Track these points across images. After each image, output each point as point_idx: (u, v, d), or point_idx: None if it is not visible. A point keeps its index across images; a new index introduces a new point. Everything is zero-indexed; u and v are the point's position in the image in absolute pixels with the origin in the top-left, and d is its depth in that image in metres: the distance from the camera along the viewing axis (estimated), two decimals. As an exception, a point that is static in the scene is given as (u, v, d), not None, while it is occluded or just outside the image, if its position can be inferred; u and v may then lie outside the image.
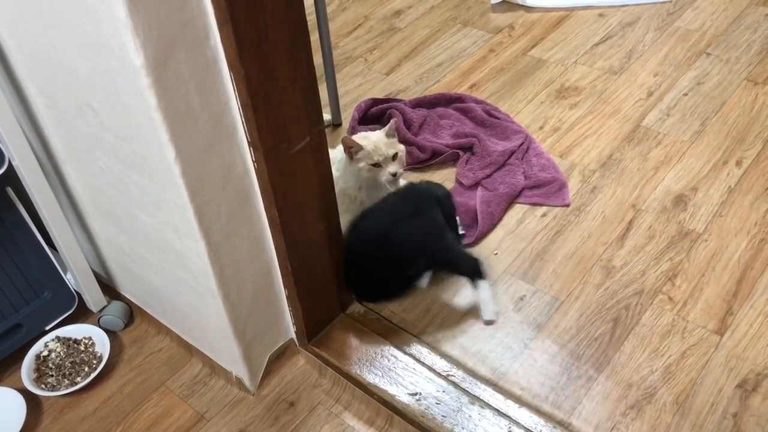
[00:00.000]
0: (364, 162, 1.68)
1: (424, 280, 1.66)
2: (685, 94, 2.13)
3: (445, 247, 1.61)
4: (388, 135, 1.71)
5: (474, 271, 1.58)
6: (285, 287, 1.44)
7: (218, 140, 1.15)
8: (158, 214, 1.26)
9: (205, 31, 1.04)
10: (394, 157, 1.71)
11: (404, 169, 1.76)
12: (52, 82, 1.22)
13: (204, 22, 1.03)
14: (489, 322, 1.57)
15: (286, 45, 1.11)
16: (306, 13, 1.12)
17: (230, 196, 1.22)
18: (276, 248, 1.36)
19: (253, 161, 1.21)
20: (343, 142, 1.68)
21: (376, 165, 1.68)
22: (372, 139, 1.70)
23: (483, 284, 1.57)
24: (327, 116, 2.13)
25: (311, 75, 1.20)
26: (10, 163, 1.38)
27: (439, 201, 1.64)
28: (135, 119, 1.10)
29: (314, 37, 1.99)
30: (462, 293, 1.64)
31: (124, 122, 1.13)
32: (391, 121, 1.73)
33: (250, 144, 1.18)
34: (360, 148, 1.67)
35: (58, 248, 1.55)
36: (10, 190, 1.50)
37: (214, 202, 1.20)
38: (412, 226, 1.57)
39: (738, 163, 1.88)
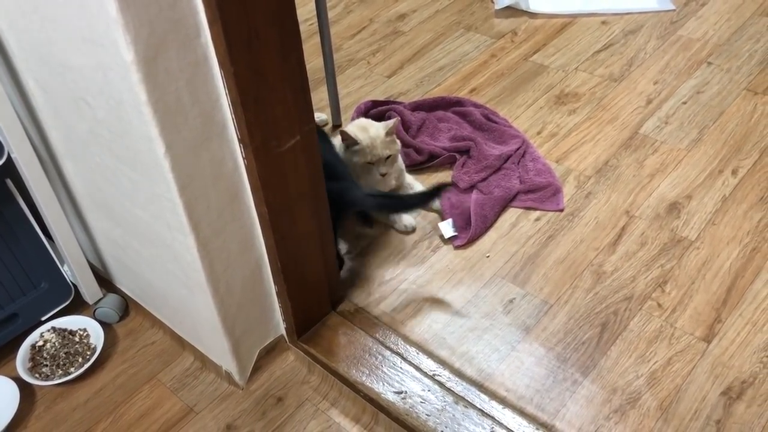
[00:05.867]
0: (357, 157, 1.72)
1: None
2: (684, 103, 2.13)
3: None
4: (387, 133, 1.75)
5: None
6: (275, 284, 1.46)
7: (208, 137, 1.17)
8: (150, 208, 1.29)
9: (196, 29, 1.06)
10: (388, 157, 1.73)
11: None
12: (49, 77, 1.25)
13: (194, 20, 1.05)
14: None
15: (276, 44, 1.13)
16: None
17: (220, 191, 1.25)
18: (266, 245, 1.38)
19: (243, 158, 1.23)
20: (341, 134, 1.72)
21: (369, 163, 1.71)
22: (371, 134, 1.73)
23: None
24: (324, 116, 2.16)
25: (302, 74, 1.22)
26: (9, 155, 1.41)
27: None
28: (126, 114, 1.12)
29: (316, 40, 2.03)
30: (452, 293, 1.66)
31: (116, 117, 1.16)
32: (394, 120, 1.76)
33: (240, 141, 1.20)
34: (355, 143, 1.70)
35: (55, 240, 1.58)
36: (9, 182, 1.53)
37: (204, 198, 1.22)
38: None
39: (734, 172, 1.89)
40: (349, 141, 1.72)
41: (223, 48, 1.07)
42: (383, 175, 1.74)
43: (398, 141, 1.83)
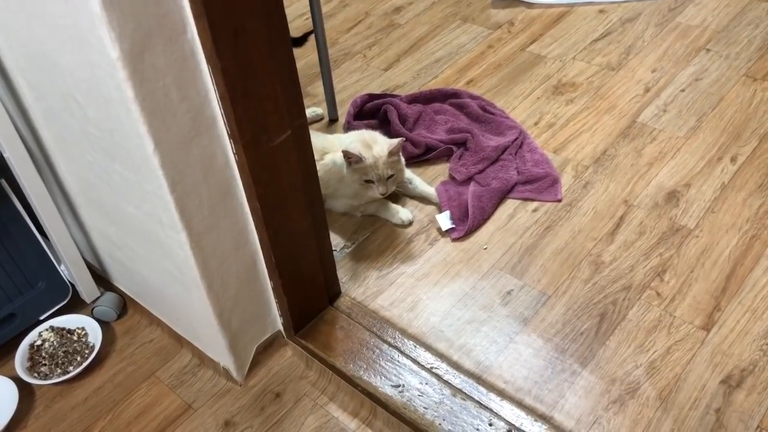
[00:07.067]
0: (358, 174, 1.72)
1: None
2: (683, 90, 2.12)
3: None
4: (391, 153, 1.71)
5: None
6: (270, 279, 1.45)
7: (198, 132, 1.17)
8: (142, 205, 1.28)
9: (182, 24, 1.05)
10: (390, 177, 1.73)
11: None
12: (39, 75, 1.24)
13: (180, 15, 1.04)
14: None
15: (264, 38, 1.13)
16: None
17: (211, 188, 1.24)
18: (260, 240, 1.37)
19: (234, 154, 1.22)
20: (343, 153, 1.71)
21: (369, 181, 1.71)
22: (374, 153, 1.71)
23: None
24: (320, 110, 2.16)
25: (291, 69, 1.21)
26: (2, 155, 1.41)
27: None
28: (115, 111, 1.12)
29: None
30: (450, 286, 1.65)
31: (106, 114, 1.15)
32: (398, 139, 1.73)
33: (230, 136, 1.19)
34: (359, 160, 1.69)
35: (51, 240, 1.58)
36: (3, 182, 1.53)
37: (195, 194, 1.22)
38: None
39: (733, 160, 1.87)
40: (353, 159, 1.70)
41: (210, 43, 1.06)
42: (383, 194, 1.73)
43: (402, 159, 1.80)
